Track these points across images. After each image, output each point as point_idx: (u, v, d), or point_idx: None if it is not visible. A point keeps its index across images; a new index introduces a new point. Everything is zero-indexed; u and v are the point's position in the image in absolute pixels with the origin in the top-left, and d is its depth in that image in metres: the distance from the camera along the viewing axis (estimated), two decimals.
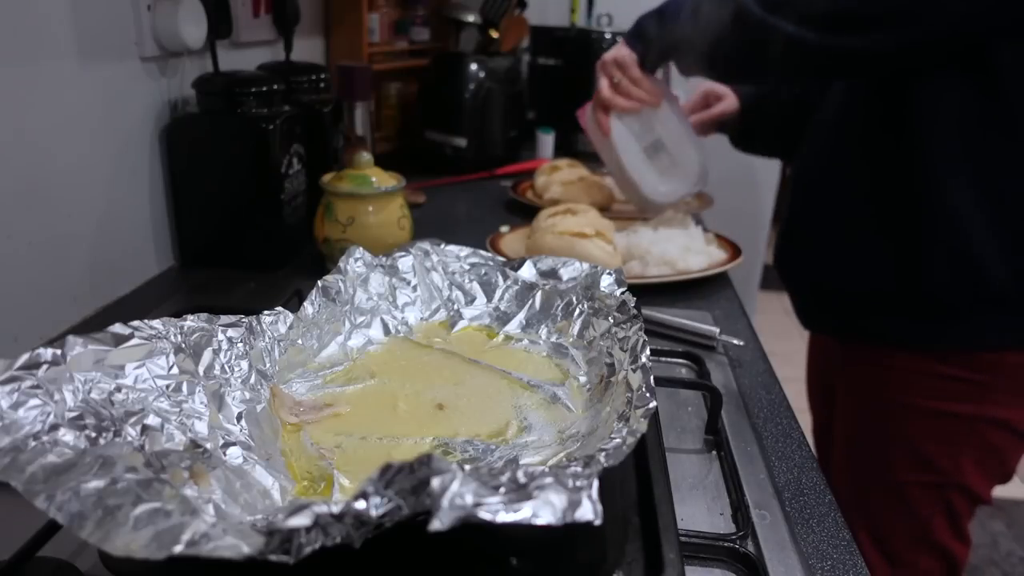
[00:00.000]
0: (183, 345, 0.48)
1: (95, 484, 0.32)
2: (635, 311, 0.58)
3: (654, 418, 0.50)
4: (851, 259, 0.88)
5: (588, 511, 0.31)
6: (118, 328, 0.45)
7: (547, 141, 1.59)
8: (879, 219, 0.85)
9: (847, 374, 0.97)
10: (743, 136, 1.17)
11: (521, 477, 0.32)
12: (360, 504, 0.32)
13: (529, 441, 0.51)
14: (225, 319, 0.52)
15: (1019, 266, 0.79)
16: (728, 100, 1.13)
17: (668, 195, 1.12)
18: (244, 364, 0.51)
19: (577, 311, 0.64)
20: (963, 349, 0.83)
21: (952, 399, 0.85)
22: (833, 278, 0.91)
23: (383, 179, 0.88)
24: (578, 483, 0.32)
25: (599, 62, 1.05)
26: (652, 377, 0.48)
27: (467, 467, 0.34)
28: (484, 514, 0.30)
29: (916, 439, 0.88)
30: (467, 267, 0.69)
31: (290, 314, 0.57)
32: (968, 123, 0.78)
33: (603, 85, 1.04)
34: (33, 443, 0.36)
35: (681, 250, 0.96)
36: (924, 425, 0.87)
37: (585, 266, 0.67)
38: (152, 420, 0.42)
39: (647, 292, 0.87)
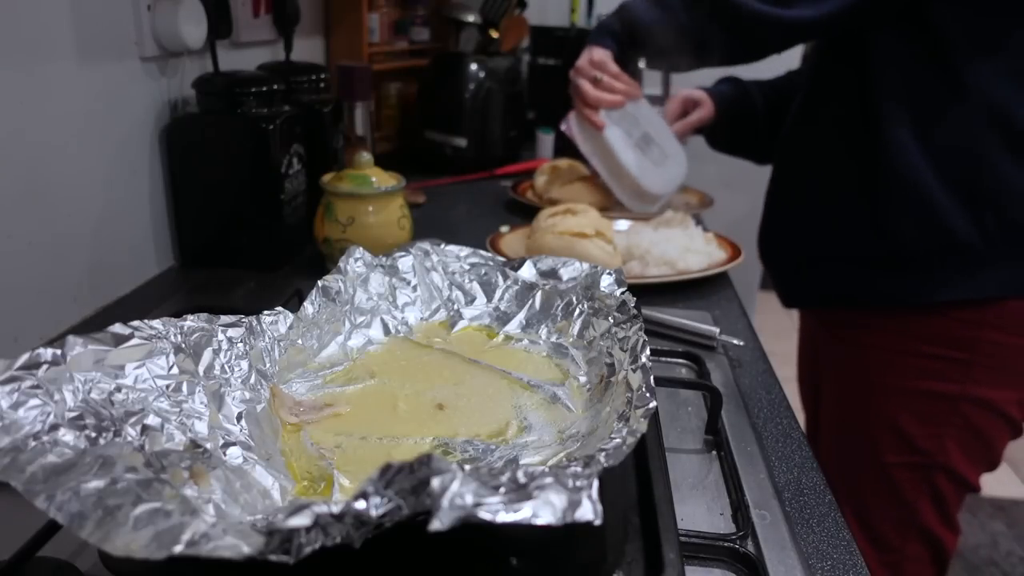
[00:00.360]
0: (183, 345, 0.48)
1: (95, 484, 0.32)
2: (635, 311, 0.58)
3: (654, 418, 0.50)
4: (829, 222, 0.91)
5: (588, 511, 0.31)
6: (118, 328, 0.45)
7: (547, 141, 1.59)
8: (851, 181, 0.88)
9: (832, 358, 0.99)
10: (719, 139, 1.22)
11: (521, 477, 0.32)
12: (360, 504, 0.32)
13: (529, 441, 0.51)
14: (225, 319, 0.52)
15: (978, 217, 0.81)
16: (705, 107, 1.17)
17: (666, 185, 1.16)
18: (244, 364, 0.51)
19: (577, 311, 0.64)
20: (941, 304, 0.85)
21: (933, 378, 0.86)
22: (812, 244, 0.94)
23: (383, 179, 0.88)
24: (578, 483, 0.32)
25: (573, 70, 1.08)
26: (652, 377, 0.48)
27: (467, 467, 0.34)
28: (484, 514, 0.30)
29: (899, 420, 0.89)
30: (467, 267, 0.69)
31: (290, 314, 0.57)
32: (912, 81, 0.82)
33: (585, 87, 1.07)
34: (33, 443, 0.36)
35: (681, 250, 0.96)
36: (906, 405, 0.88)
37: (585, 266, 0.67)
38: (152, 420, 0.42)
39: (647, 292, 0.87)
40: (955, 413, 0.86)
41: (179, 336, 0.48)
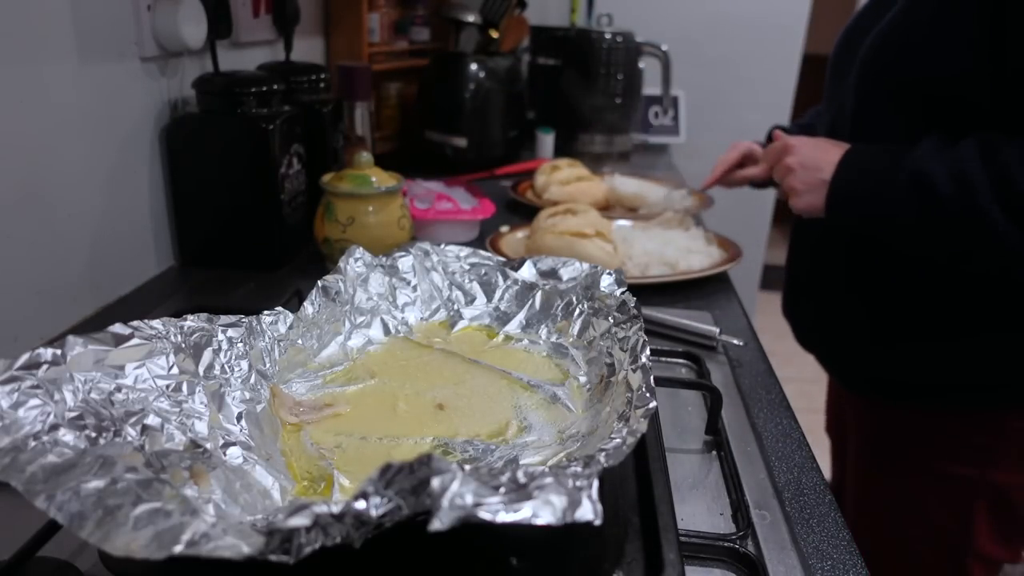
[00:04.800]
0: (183, 345, 0.48)
1: (95, 484, 0.32)
2: (635, 311, 0.58)
3: (654, 418, 0.50)
4: (911, 353, 0.82)
5: (588, 511, 0.31)
6: (118, 328, 0.45)
7: (547, 141, 1.59)
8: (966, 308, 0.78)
9: (861, 430, 0.94)
10: (763, 185, 1.15)
11: (521, 477, 0.32)
12: (360, 504, 0.32)
13: (529, 441, 0.51)
14: (225, 319, 0.52)
15: None
16: (762, 167, 1.08)
17: None
18: (244, 364, 0.51)
19: (577, 311, 0.64)
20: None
21: (962, 463, 0.82)
22: (891, 367, 0.85)
23: (383, 179, 0.88)
24: (578, 483, 0.32)
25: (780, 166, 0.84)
26: (652, 377, 0.48)
27: (467, 467, 0.34)
28: (484, 514, 0.30)
29: (926, 504, 0.85)
30: (467, 267, 0.69)
31: (290, 314, 0.57)
32: None
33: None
34: (33, 443, 0.36)
35: (681, 250, 0.96)
36: (936, 489, 0.84)
37: (585, 266, 0.67)
38: (152, 420, 0.42)
39: (647, 292, 0.87)
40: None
41: (179, 336, 0.48)
